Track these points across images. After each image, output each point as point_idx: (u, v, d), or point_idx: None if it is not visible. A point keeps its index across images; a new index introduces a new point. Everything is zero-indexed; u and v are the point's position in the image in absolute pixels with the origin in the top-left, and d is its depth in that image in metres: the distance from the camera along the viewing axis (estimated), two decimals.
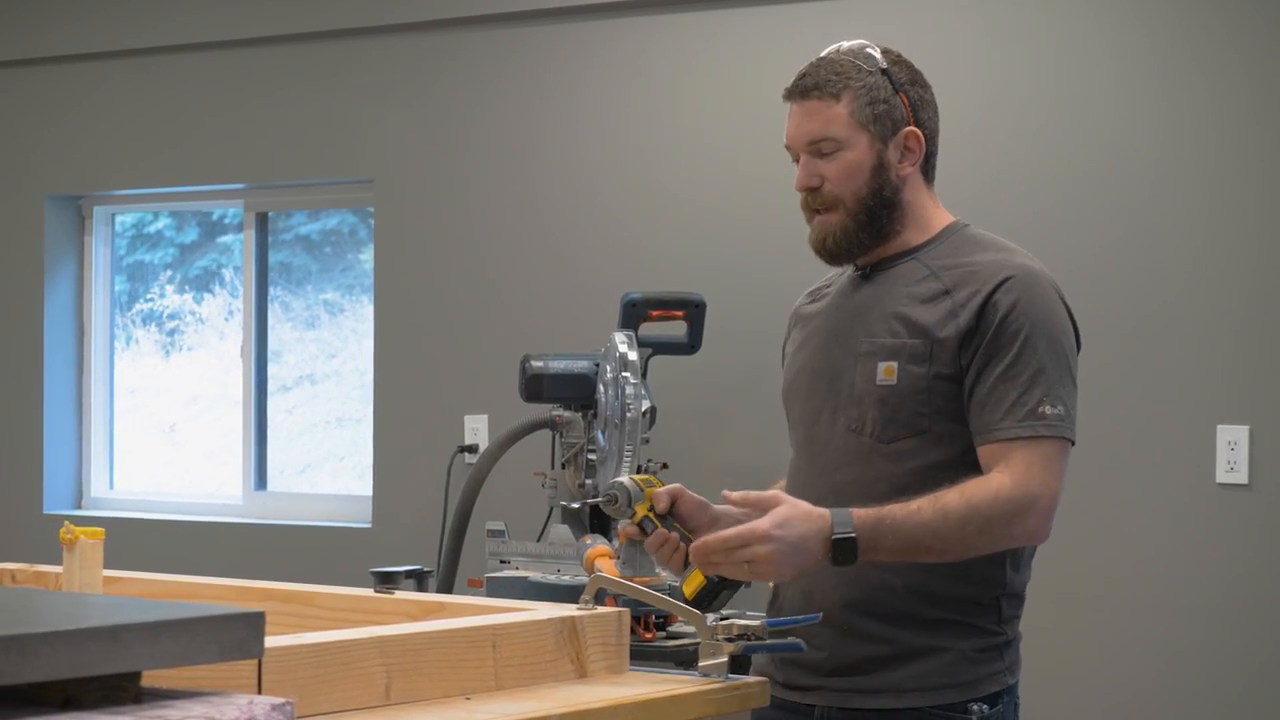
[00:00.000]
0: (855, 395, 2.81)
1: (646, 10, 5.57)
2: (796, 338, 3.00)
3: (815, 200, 2.87)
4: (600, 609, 2.57)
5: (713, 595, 2.70)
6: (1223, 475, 4.79)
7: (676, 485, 2.81)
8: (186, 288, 6.73)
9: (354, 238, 6.41)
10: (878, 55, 2.90)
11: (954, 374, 2.77)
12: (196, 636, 1.70)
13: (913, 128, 2.90)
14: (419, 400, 5.90)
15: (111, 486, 6.73)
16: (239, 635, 1.73)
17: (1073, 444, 2.80)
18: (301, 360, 6.51)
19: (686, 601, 2.69)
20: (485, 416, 5.72)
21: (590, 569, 4.18)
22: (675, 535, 2.76)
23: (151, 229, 6.82)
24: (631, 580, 2.76)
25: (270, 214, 6.48)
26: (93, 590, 2.72)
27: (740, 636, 2.55)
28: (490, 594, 4.60)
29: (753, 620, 2.59)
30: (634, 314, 4.98)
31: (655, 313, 5.02)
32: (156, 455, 6.78)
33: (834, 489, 2.78)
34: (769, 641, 2.57)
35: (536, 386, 4.83)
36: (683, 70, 5.52)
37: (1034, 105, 5.06)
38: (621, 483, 2.81)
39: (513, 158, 5.77)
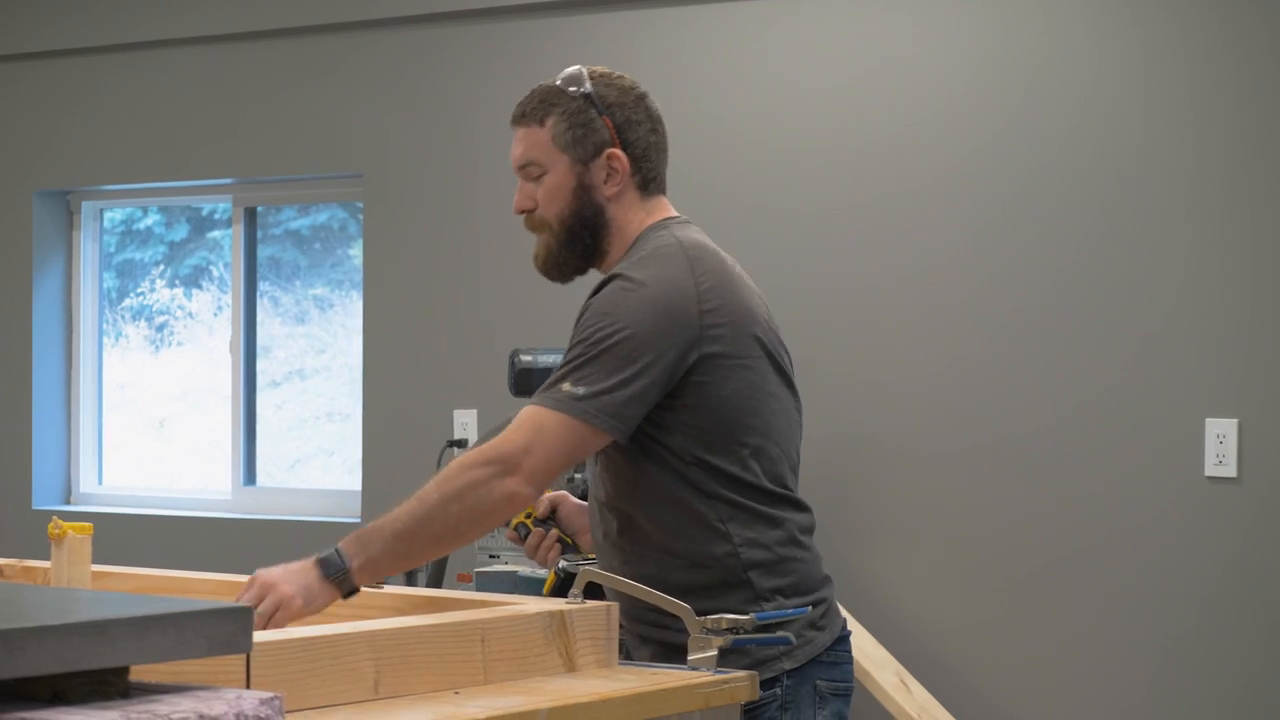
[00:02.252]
0: None
1: (636, 4, 5.57)
2: None
3: (529, 222, 3.02)
4: (589, 603, 2.57)
5: (567, 583, 2.82)
6: (1211, 468, 4.79)
7: (560, 493, 3.02)
8: (176, 283, 6.73)
9: (343, 233, 6.41)
10: (586, 79, 2.96)
11: None
12: (185, 631, 1.69)
13: (615, 149, 2.94)
14: (408, 395, 5.90)
15: (100, 482, 6.72)
16: (227, 630, 1.73)
17: (594, 428, 2.76)
18: (291, 355, 6.51)
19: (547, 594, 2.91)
20: (474, 411, 5.72)
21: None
22: (553, 534, 3.00)
23: (141, 225, 6.81)
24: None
25: (259, 209, 6.47)
26: (81, 585, 2.72)
27: (729, 630, 2.55)
28: (479, 588, 4.60)
29: (741, 615, 2.59)
30: None
31: None
32: (145, 450, 6.77)
33: (595, 511, 2.94)
34: (757, 635, 2.58)
35: (526, 380, 4.83)
36: (671, 64, 5.51)
37: (1018, 102, 5.06)
38: None
39: (502, 152, 5.72)
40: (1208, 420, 4.80)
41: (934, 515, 5.14)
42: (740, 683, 2.54)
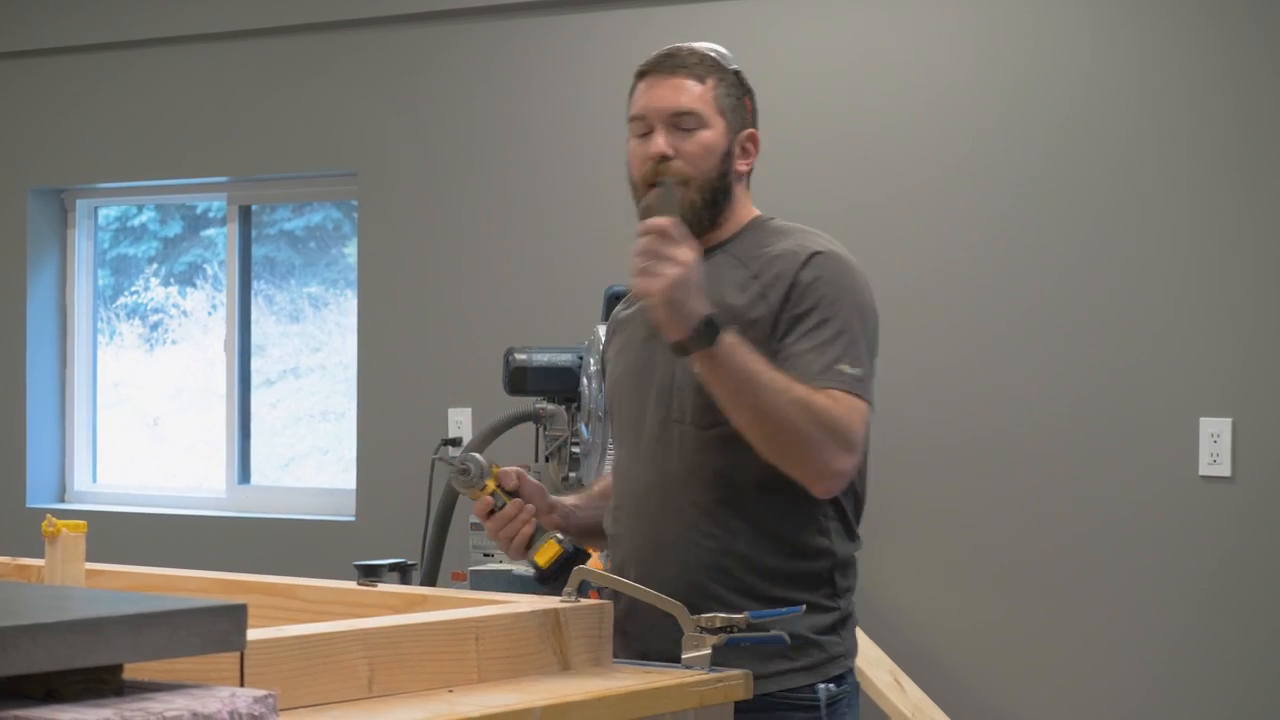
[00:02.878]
0: (675, 386, 2.84)
1: (630, 3, 5.57)
2: (617, 343, 3.04)
3: (664, 169, 2.87)
4: (583, 602, 2.57)
5: (568, 565, 2.73)
6: (1205, 468, 4.80)
7: (521, 467, 2.90)
8: (170, 281, 6.72)
9: (338, 232, 6.41)
10: (732, 59, 2.93)
11: (767, 355, 2.78)
12: (179, 629, 1.70)
13: (754, 130, 2.94)
14: (403, 393, 5.90)
15: (94, 480, 6.72)
16: (221, 628, 1.73)
17: (872, 409, 2.79)
18: (285, 354, 6.51)
19: (539, 571, 2.76)
20: (469, 409, 5.72)
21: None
22: (530, 506, 2.84)
23: (135, 223, 6.81)
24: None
25: (254, 208, 6.47)
26: (75, 583, 2.72)
27: (723, 629, 2.55)
28: (474, 587, 4.60)
29: (735, 613, 2.59)
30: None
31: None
32: (140, 449, 6.77)
33: (661, 478, 2.83)
34: (751, 634, 2.58)
35: (520, 379, 4.83)
36: None
37: (1010, 103, 5.06)
38: (475, 456, 2.87)
39: (496, 151, 5.77)
40: (1202, 419, 4.81)
41: (928, 514, 5.15)
42: (734, 681, 2.54)
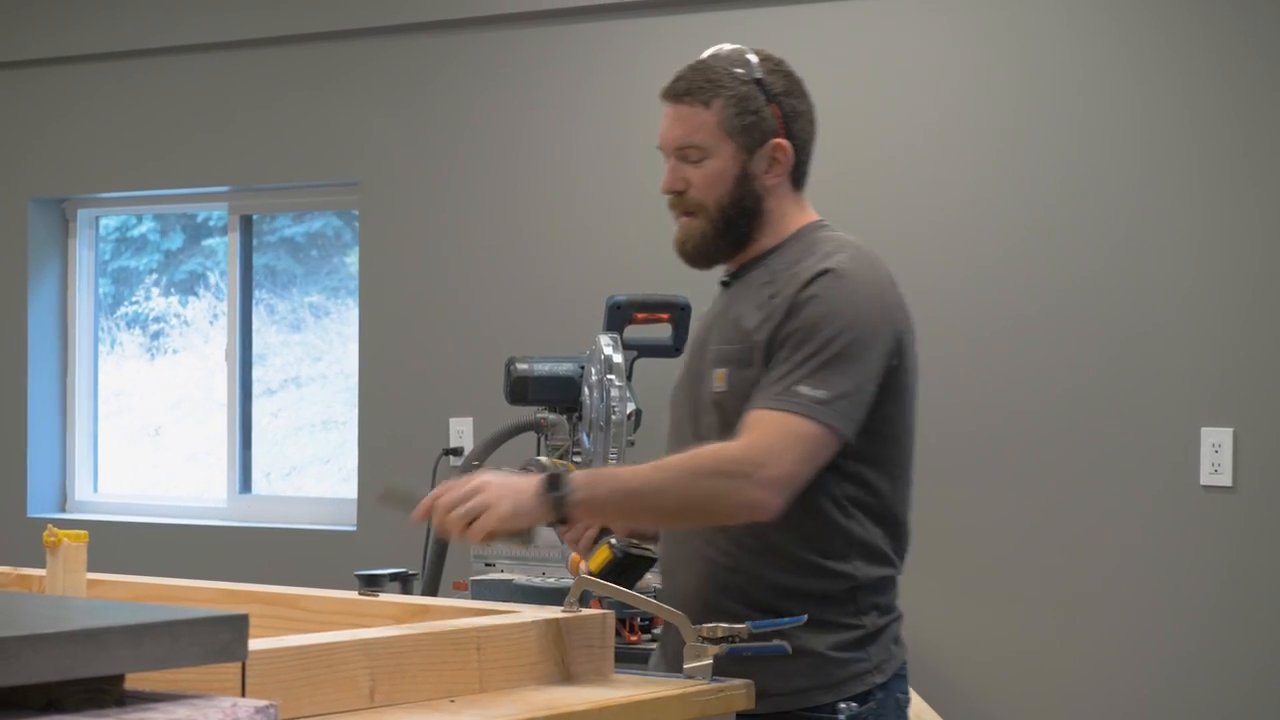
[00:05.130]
0: (705, 402, 2.86)
1: (633, 14, 5.57)
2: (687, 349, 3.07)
3: (680, 204, 2.91)
4: (585, 611, 2.57)
5: (619, 570, 2.74)
6: (1207, 477, 4.79)
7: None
8: (171, 291, 6.72)
9: (339, 241, 6.41)
10: (755, 63, 2.92)
11: (760, 375, 2.79)
12: (180, 639, 1.69)
13: (781, 139, 2.90)
14: (404, 403, 5.90)
15: (95, 490, 6.72)
16: (223, 638, 1.73)
17: (839, 434, 2.73)
18: (286, 363, 6.51)
19: (591, 574, 2.77)
20: (470, 419, 5.71)
21: (575, 571, 4.18)
22: None
23: (135, 233, 6.81)
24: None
25: (255, 217, 6.47)
26: (76, 593, 2.72)
27: (725, 639, 2.55)
28: (475, 597, 4.60)
29: (737, 623, 2.58)
30: (619, 316, 4.98)
31: (640, 315, 5.02)
32: (141, 458, 6.77)
33: None
34: (754, 644, 2.57)
35: (522, 389, 4.83)
36: (668, 73, 5.51)
37: (1014, 115, 5.06)
38: (542, 461, 2.90)
39: (498, 160, 5.77)
40: (1203, 429, 4.80)
41: (928, 523, 5.13)
42: (736, 691, 2.54)
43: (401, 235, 5.93)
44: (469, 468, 4.85)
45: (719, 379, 2.84)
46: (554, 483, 2.66)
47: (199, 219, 6.66)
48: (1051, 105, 5.02)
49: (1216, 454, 4.77)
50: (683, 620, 2.57)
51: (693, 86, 2.90)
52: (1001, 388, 5.05)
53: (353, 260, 6.25)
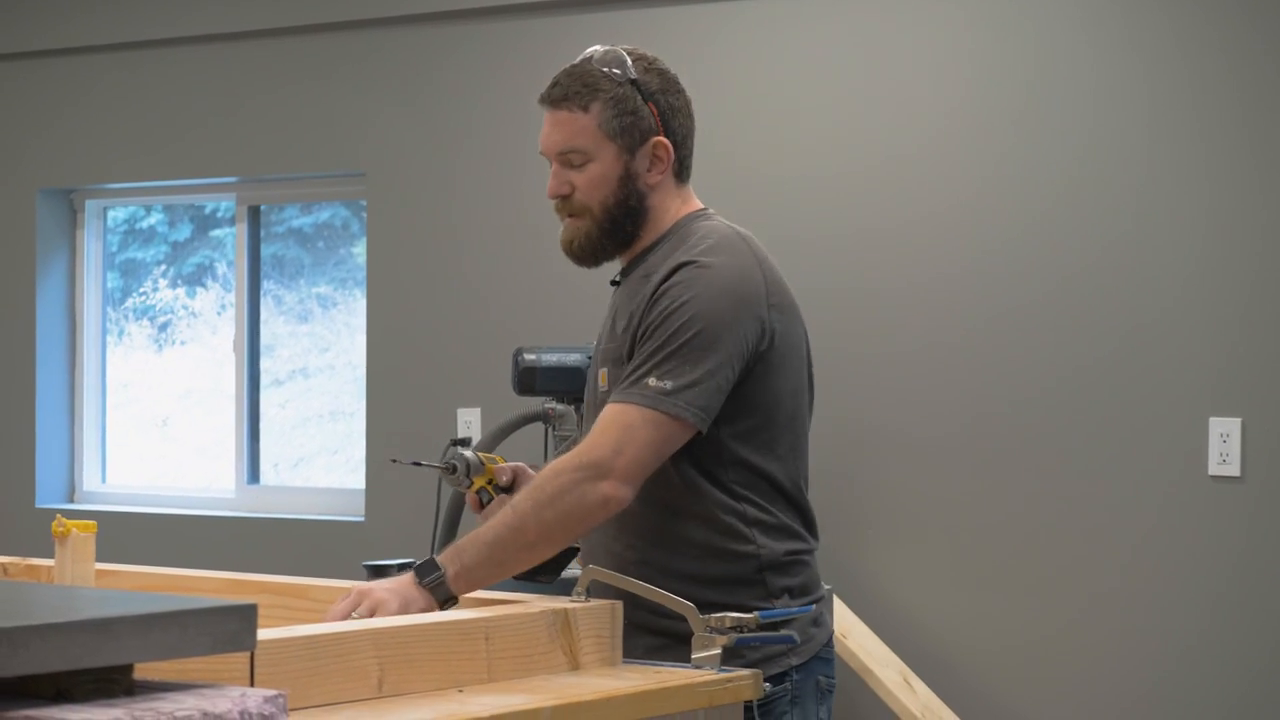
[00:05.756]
0: (595, 403, 2.90)
1: (641, 4, 5.57)
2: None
3: (565, 207, 2.93)
4: (593, 601, 2.57)
5: (557, 565, 2.81)
6: (1215, 467, 4.79)
7: (520, 464, 2.96)
8: (179, 282, 6.73)
9: (346, 231, 6.41)
10: (630, 63, 2.92)
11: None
12: (188, 629, 1.69)
13: (661, 137, 2.91)
14: (412, 393, 5.90)
15: (104, 480, 6.72)
16: (231, 628, 1.73)
17: (685, 422, 2.74)
18: (294, 354, 6.51)
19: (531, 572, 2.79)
20: (478, 409, 5.71)
21: (583, 562, 4.18)
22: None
23: (144, 224, 6.81)
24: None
25: (262, 208, 6.47)
26: (85, 583, 2.72)
27: (733, 629, 2.55)
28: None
29: (745, 613, 2.58)
30: None
31: None
32: (149, 449, 6.77)
33: None
34: (761, 634, 2.57)
35: (529, 379, 4.83)
36: (675, 65, 5.50)
37: (1022, 103, 5.06)
38: (463, 454, 2.95)
39: (505, 151, 5.77)
40: (1211, 419, 4.80)
41: (937, 513, 5.14)
42: (744, 681, 2.54)
43: (409, 226, 5.93)
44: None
45: (603, 379, 2.89)
46: (423, 570, 2.67)
47: (206, 210, 6.66)
48: (1057, 96, 5.01)
49: (1224, 444, 4.77)
50: (691, 611, 2.57)
51: (570, 91, 2.91)
52: (1010, 378, 5.04)
53: (360, 251, 6.25)
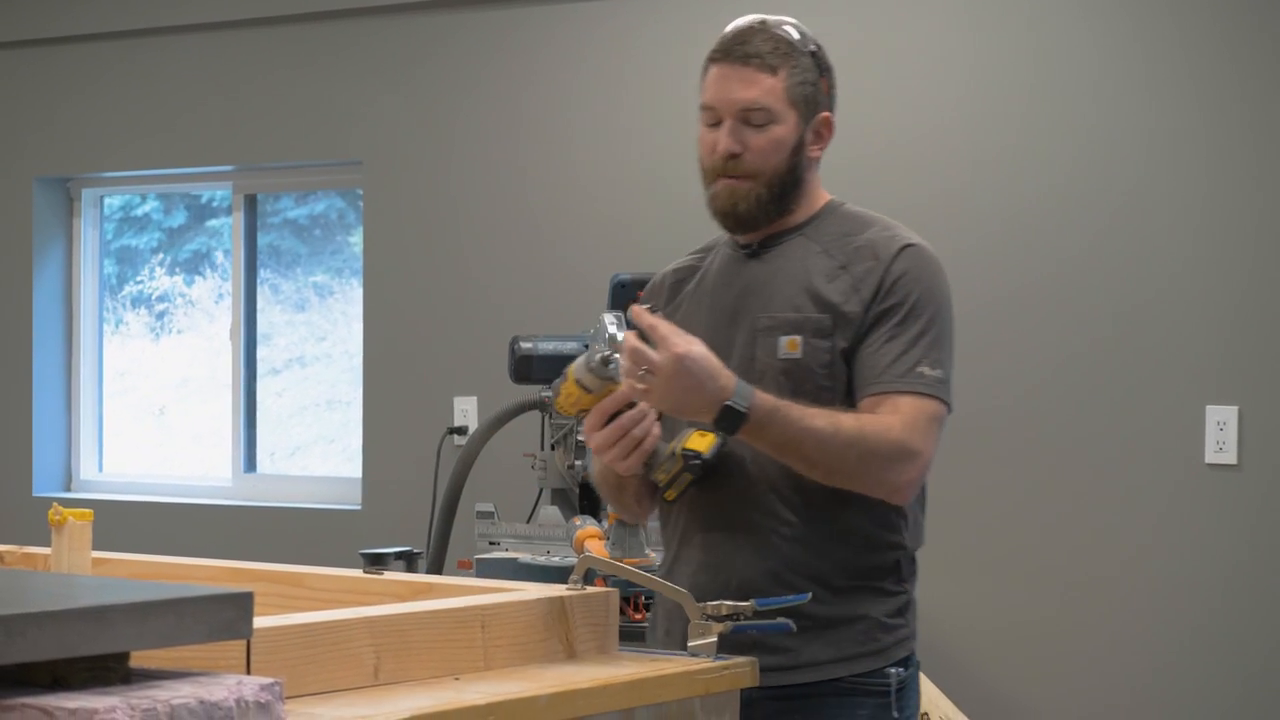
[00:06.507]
0: (755, 371, 2.80)
1: None
2: (674, 317, 2.93)
3: (731, 167, 2.84)
4: (589, 589, 2.57)
5: (714, 464, 2.73)
6: (1212, 456, 4.79)
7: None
8: (176, 270, 6.72)
9: (343, 220, 6.41)
10: (809, 36, 2.89)
11: (855, 348, 2.80)
12: (185, 617, 1.70)
13: (828, 114, 2.90)
14: (408, 382, 5.90)
15: (101, 469, 6.72)
16: (227, 616, 1.73)
17: (950, 412, 2.81)
18: (291, 343, 6.51)
19: (700, 461, 2.71)
20: (474, 398, 5.72)
21: (579, 550, 4.19)
22: (654, 414, 2.75)
23: (139, 212, 6.81)
24: (620, 561, 2.76)
25: (259, 196, 6.47)
26: (81, 571, 2.72)
27: (729, 617, 2.55)
28: (480, 575, 4.60)
29: (741, 601, 2.59)
30: (623, 295, 4.97)
31: (644, 293, 5.01)
32: (146, 438, 6.78)
33: (745, 460, 2.79)
34: (757, 621, 2.58)
35: (526, 368, 4.82)
36: (672, 52, 5.51)
37: (1022, 90, 5.06)
38: (615, 356, 2.73)
39: (502, 140, 5.76)
40: (1208, 407, 4.80)
41: (932, 503, 5.13)
42: (740, 669, 2.54)
43: (405, 214, 5.93)
44: (474, 447, 4.85)
45: (790, 345, 2.80)
46: (728, 418, 2.64)
47: (203, 199, 6.66)
48: (1054, 86, 5.01)
49: (1221, 432, 4.77)
50: (687, 598, 2.57)
51: (760, 51, 2.84)
52: (1007, 367, 5.04)
53: (357, 240, 6.25)
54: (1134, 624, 4.89)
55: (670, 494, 2.80)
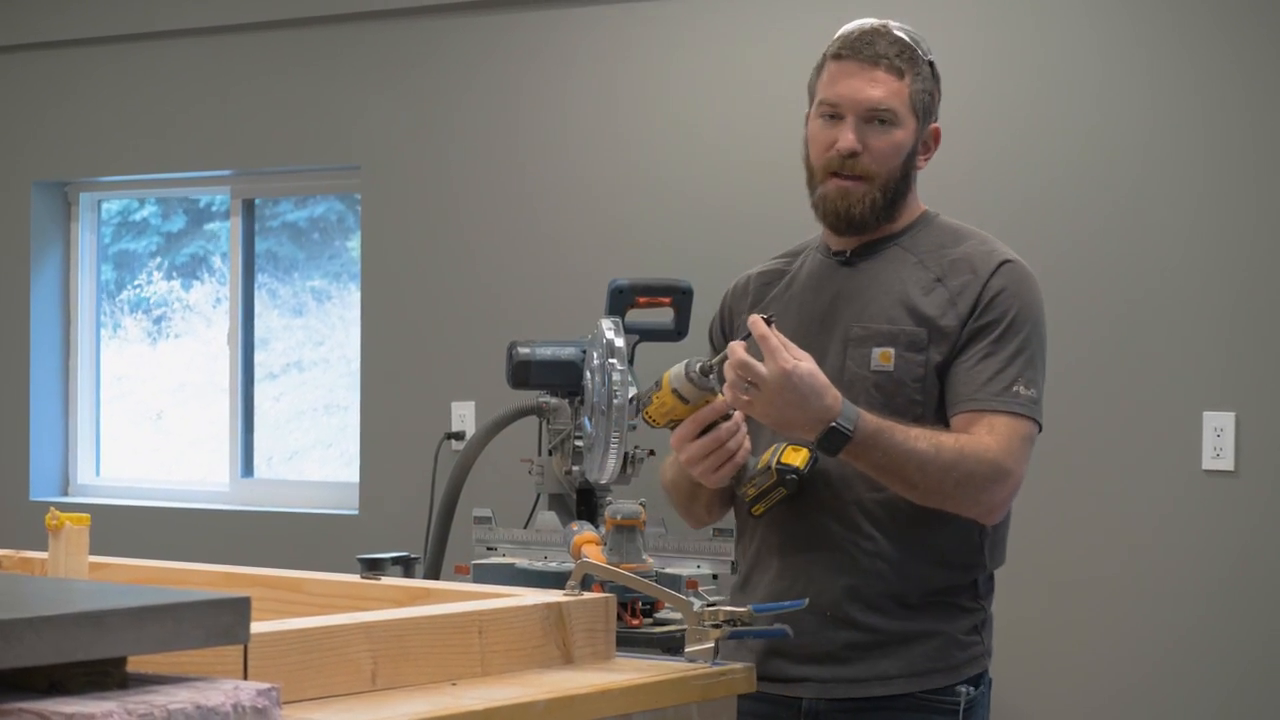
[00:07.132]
0: (845, 381, 2.77)
1: None
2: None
3: (851, 166, 2.83)
4: (587, 595, 2.57)
5: (807, 478, 2.70)
6: (1209, 462, 4.79)
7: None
8: (173, 275, 6.72)
9: (341, 225, 6.41)
10: (926, 45, 2.89)
11: (950, 362, 2.78)
12: (182, 622, 1.70)
13: (938, 126, 2.91)
14: (406, 387, 5.90)
15: (98, 473, 6.72)
16: (225, 621, 1.73)
17: (1040, 430, 2.82)
18: (289, 347, 6.51)
19: (795, 476, 2.69)
20: (472, 403, 5.71)
21: (576, 555, 4.18)
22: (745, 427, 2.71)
23: (137, 217, 6.81)
24: (618, 566, 2.76)
25: (257, 201, 6.47)
26: (78, 576, 2.72)
27: (727, 622, 2.55)
28: (477, 580, 4.60)
29: (739, 606, 2.59)
30: (621, 300, 4.97)
31: (642, 299, 5.01)
32: (143, 442, 6.77)
33: (830, 473, 2.77)
34: (755, 628, 2.58)
35: (523, 373, 4.82)
36: (670, 57, 5.51)
37: (1022, 92, 5.06)
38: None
39: (500, 144, 5.76)
40: (1205, 414, 4.80)
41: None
42: (737, 675, 2.54)
43: (403, 219, 5.93)
44: (472, 453, 4.85)
45: (883, 358, 2.79)
46: (830, 440, 2.62)
47: (201, 204, 6.66)
48: (1053, 87, 5.01)
49: (1219, 438, 4.77)
50: (685, 605, 2.57)
51: (890, 53, 2.83)
52: None
53: (354, 244, 6.25)
54: (1130, 630, 4.88)
55: (759, 508, 2.77)
